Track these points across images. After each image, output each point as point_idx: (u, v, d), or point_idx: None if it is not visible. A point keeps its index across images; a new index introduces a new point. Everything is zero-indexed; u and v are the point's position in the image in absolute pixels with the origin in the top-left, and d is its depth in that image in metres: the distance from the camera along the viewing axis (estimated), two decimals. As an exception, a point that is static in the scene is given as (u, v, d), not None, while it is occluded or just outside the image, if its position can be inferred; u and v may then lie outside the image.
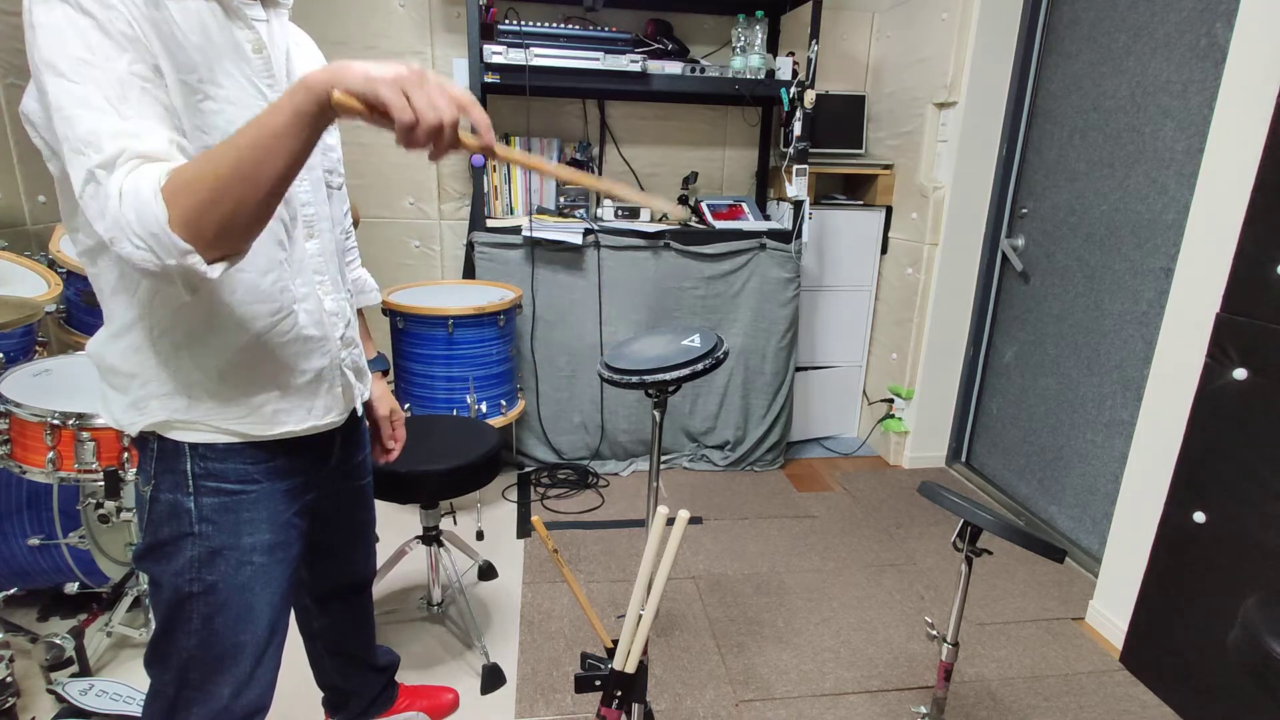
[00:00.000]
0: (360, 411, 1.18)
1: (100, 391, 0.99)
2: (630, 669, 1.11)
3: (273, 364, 0.97)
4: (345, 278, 1.15)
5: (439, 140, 0.76)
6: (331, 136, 1.11)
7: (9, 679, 1.47)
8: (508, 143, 2.82)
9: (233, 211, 0.77)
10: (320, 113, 0.76)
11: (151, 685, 1.04)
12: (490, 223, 2.70)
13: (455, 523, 2.52)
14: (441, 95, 0.75)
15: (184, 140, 0.82)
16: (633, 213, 2.84)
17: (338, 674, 1.48)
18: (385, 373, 1.30)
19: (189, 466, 0.95)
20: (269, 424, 0.99)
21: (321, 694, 1.51)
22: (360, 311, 1.30)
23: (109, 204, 0.74)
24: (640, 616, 1.07)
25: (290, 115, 0.75)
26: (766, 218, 3.01)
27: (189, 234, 0.76)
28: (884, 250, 3.17)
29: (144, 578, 1.78)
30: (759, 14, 2.70)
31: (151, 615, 1.03)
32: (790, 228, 2.82)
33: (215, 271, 0.79)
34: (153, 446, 0.96)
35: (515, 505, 2.68)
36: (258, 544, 1.00)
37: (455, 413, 2.44)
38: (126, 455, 1.57)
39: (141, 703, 1.58)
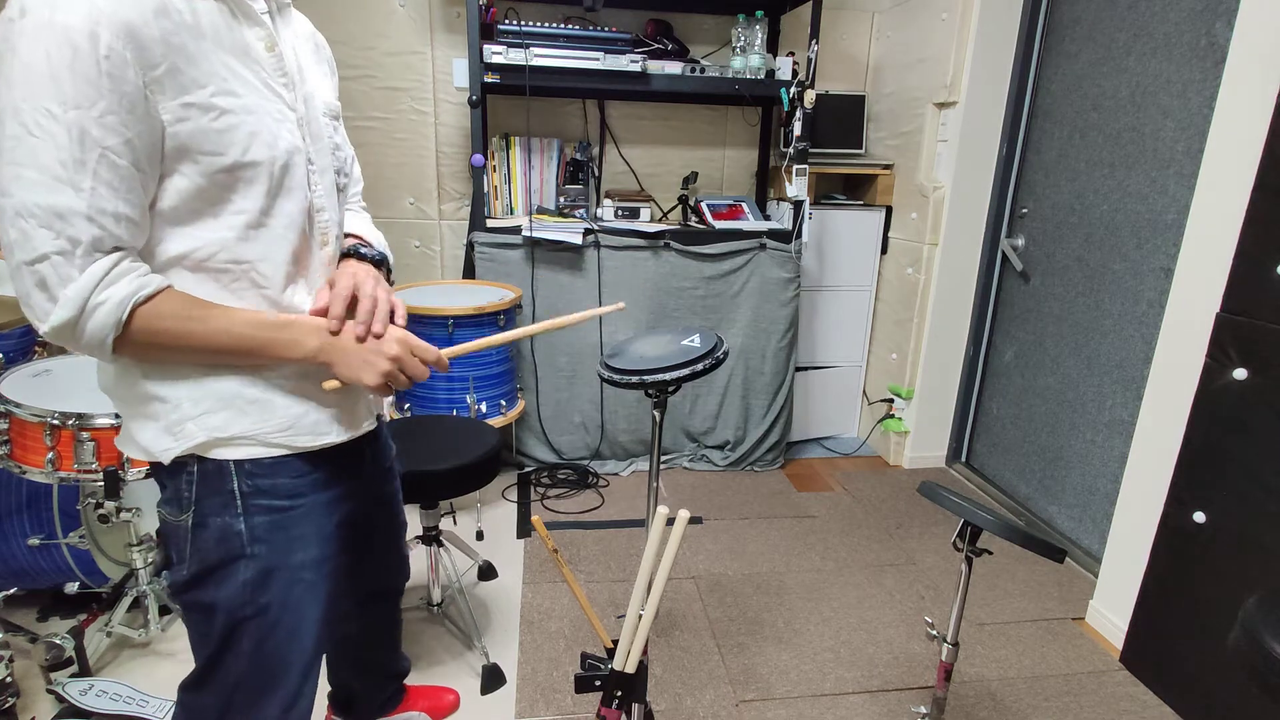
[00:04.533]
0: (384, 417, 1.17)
1: (123, 424, 0.93)
2: (630, 669, 1.11)
3: (304, 376, 0.94)
4: None
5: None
6: (339, 135, 1.06)
7: (9, 679, 1.47)
8: (508, 143, 2.82)
9: (175, 358, 0.86)
10: (302, 358, 0.89)
11: (185, 708, 1.01)
12: (490, 223, 2.70)
13: (455, 523, 2.52)
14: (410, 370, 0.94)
15: (133, 213, 0.78)
16: (633, 213, 2.83)
17: (356, 678, 1.47)
18: (378, 262, 1.10)
19: (236, 486, 0.91)
20: (312, 434, 0.96)
21: (328, 688, 1.51)
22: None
23: (65, 303, 0.76)
24: (640, 616, 1.07)
25: (291, 354, 0.88)
26: (766, 218, 3.01)
27: (122, 351, 0.81)
28: (884, 250, 3.17)
29: (142, 580, 1.78)
30: (759, 14, 2.69)
31: (191, 644, 0.99)
32: (790, 228, 2.82)
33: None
34: (190, 470, 0.90)
35: (515, 505, 2.68)
36: (307, 560, 0.98)
37: (455, 413, 2.44)
38: (126, 455, 1.57)
39: (140, 702, 1.58)
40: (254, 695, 0.98)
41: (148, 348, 0.82)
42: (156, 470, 0.93)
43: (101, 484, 1.55)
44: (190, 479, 0.90)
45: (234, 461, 0.91)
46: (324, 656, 1.44)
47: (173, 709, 1.56)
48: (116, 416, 1.53)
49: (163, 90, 0.76)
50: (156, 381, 0.88)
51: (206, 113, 0.80)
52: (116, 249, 0.78)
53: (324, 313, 0.93)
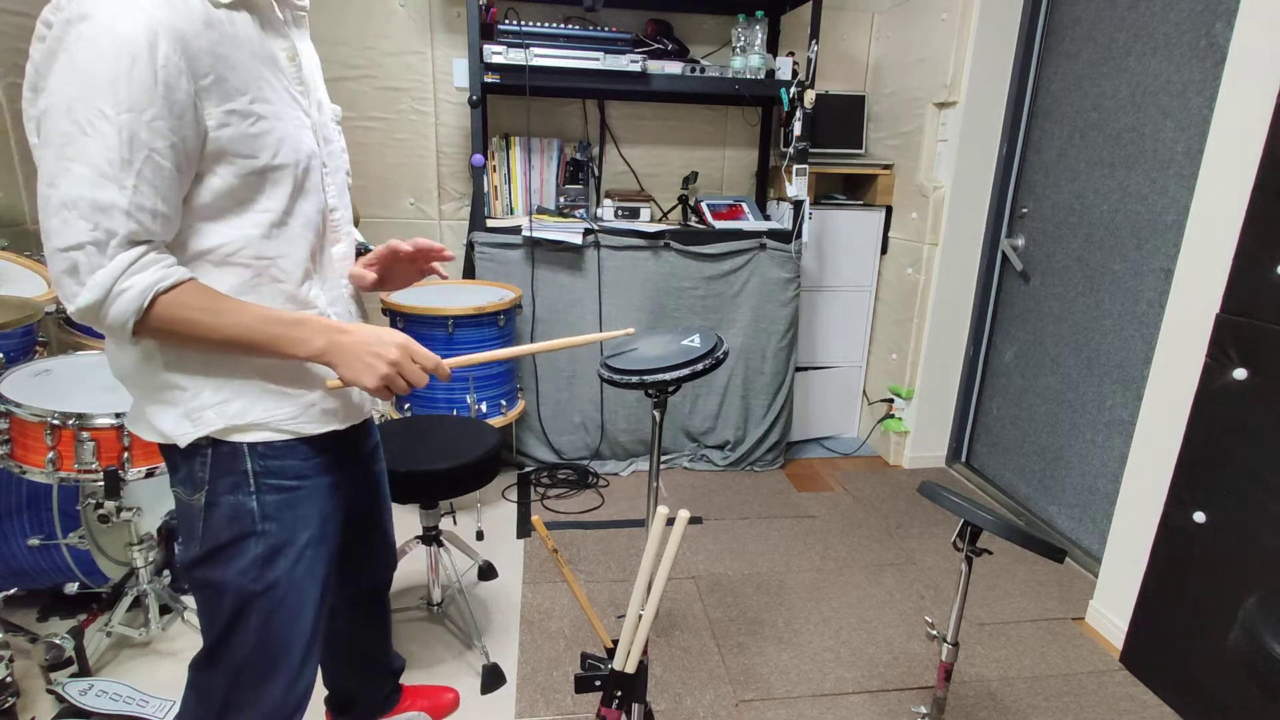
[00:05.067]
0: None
1: (135, 408, 0.98)
2: (630, 669, 1.11)
3: (313, 371, 0.99)
4: None
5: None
6: (344, 139, 1.12)
7: (9, 679, 1.47)
8: (508, 143, 2.82)
9: (190, 346, 0.89)
10: (308, 357, 0.92)
11: (195, 687, 1.05)
12: (490, 223, 2.70)
13: (455, 523, 2.52)
14: (410, 378, 0.95)
15: (169, 210, 0.83)
16: (633, 213, 2.84)
17: (352, 677, 1.48)
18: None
19: (249, 466, 0.96)
20: (318, 421, 1.01)
21: (324, 692, 1.51)
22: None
23: (93, 287, 0.79)
24: (640, 616, 1.07)
25: (297, 352, 0.90)
26: (766, 218, 3.01)
27: (141, 335, 0.85)
28: (884, 250, 3.17)
29: (142, 580, 1.78)
30: (759, 14, 2.69)
31: (200, 623, 1.04)
32: (790, 228, 2.82)
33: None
34: (205, 452, 0.95)
35: (515, 505, 2.68)
36: (310, 538, 1.03)
37: (455, 413, 2.44)
38: (127, 455, 1.57)
39: (140, 702, 1.58)
40: (259, 675, 1.02)
41: (165, 334, 0.86)
42: (169, 452, 0.97)
43: (101, 484, 1.55)
44: (205, 460, 0.95)
45: (248, 444, 0.96)
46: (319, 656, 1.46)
47: (173, 707, 1.57)
48: (117, 416, 1.53)
49: (209, 97, 0.82)
50: (178, 371, 0.92)
51: (245, 119, 0.85)
52: (147, 241, 0.83)
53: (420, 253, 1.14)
